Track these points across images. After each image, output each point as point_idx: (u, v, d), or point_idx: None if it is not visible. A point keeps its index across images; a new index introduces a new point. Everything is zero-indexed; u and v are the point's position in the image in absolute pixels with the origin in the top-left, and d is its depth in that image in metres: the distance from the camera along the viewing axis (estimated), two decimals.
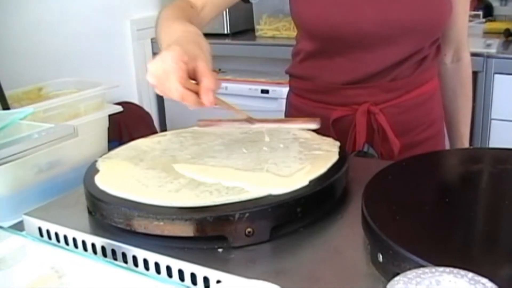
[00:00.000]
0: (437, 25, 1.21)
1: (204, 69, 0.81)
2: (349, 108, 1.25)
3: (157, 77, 0.79)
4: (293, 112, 1.38)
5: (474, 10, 2.69)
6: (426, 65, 1.26)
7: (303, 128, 1.01)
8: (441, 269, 0.51)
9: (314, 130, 1.06)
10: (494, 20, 2.75)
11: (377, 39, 1.18)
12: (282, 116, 1.44)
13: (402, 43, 1.19)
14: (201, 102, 0.80)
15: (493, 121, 2.28)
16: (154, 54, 2.91)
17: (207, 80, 0.80)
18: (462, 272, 0.50)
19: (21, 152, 0.95)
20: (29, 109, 1.10)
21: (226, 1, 1.23)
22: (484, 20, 2.70)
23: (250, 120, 0.97)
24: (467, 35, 1.38)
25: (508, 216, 0.76)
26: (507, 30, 2.56)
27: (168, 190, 0.83)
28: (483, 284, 0.48)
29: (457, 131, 1.43)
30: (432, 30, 1.21)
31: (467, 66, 1.40)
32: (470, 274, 0.50)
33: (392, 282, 0.50)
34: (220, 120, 1.00)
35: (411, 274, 0.50)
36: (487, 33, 2.58)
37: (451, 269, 0.50)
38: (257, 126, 0.98)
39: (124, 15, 2.73)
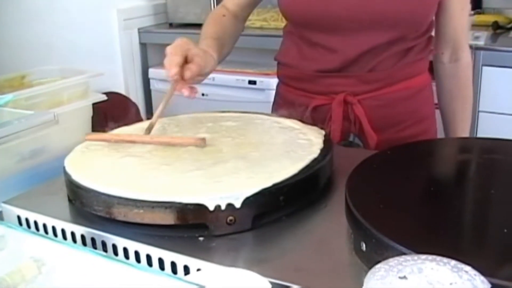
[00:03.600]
0: (417, 17, 1.17)
1: (196, 60, 1.02)
2: (327, 97, 1.23)
3: (170, 48, 1.02)
4: (278, 100, 1.38)
5: None
6: (411, 58, 1.22)
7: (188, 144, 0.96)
8: (423, 256, 0.50)
9: (299, 120, 1.05)
10: (482, 13, 2.74)
11: (350, 25, 1.16)
12: (269, 105, 1.43)
13: (378, 30, 1.15)
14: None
15: (480, 113, 2.28)
16: (142, 44, 2.89)
17: (192, 65, 1.01)
18: (445, 259, 0.49)
19: (2, 138, 0.93)
20: (9, 95, 1.08)
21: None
22: (473, 12, 2.70)
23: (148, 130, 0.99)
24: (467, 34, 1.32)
25: (493, 205, 0.75)
26: (495, 22, 2.56)
27: (148, 180, 0.81)
28: (466, 272, 0.47)
29: (454, 135, 1.36)
30: (411, 21, 1.17)
31: (466, 67, 1.34)
32: (453, 262, 0.49)
33: (373, 270, 0.49)
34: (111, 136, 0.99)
35: (392, 261, 0.50)
36: (476, 26, 2.57)
37: (434, 256, 0.50)
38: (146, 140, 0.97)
39: (110, 5, 2.70)
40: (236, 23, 1.32)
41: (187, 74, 0.99)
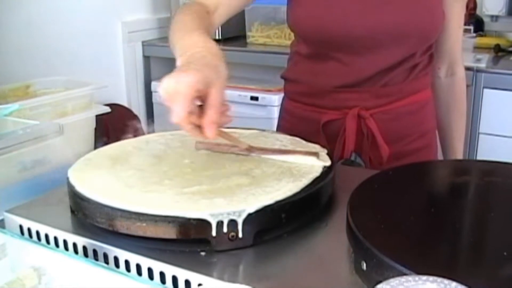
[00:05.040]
0: (428, 32, 1.22)
1: (213, 99, 0.80)
2: (339, 112, 1.26)
3: (168, 94, 0.78)
4: (286, 115, 1.40)
5: (465, 25, 2.71)
6: (418, 73, 1.26)
7: (301, 160, 0.94)
8: (424, 277, 0.50)
9: (301, 137, 1.06)
10: (484, 35, 2.76)
11: (367, 44, 1.19)
12: (273, 122, 1.44)
13: (393, 48, 1.20)
14: (199, 132, 0.80)
15: (481, 135, 2.28)
16: (145, 57, 2.91)
17: (211, 113, 0.79)
18: (446, 281, 0.49)
19: (5, 148, 0.94)
20: (14, 105, 1.08)
21: (237, 5, 1.24)
22: (474, 35, 2.72)
23: (249, 149, 0.96)
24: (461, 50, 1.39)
25: (493, 227, 0.76)
26: (497, 45, 2.58)
27: (150, 194, 0.81)
28: None
29: (450, 146, 1.42)
30: (423, 36, 1.22)
31: (461, 81, 1.40)
32: (454, 284, 0.49)
33: None
34: (219, 145, 0.97)
35: (394, 281, 0.50)
36: (478, 48, 2.60)
37: (435, 278, 0.50)
38: (256, 153, 0.96)
39: (115, 17, 2.72)
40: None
41: (209, 133, 0.80)
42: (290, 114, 1.37)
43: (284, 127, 1.38)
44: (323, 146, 1.01)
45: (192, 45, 0.90)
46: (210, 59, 0.86)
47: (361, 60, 1.21)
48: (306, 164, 0.92)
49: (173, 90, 0.78)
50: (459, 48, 1.37)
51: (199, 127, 0.80)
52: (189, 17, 1.05)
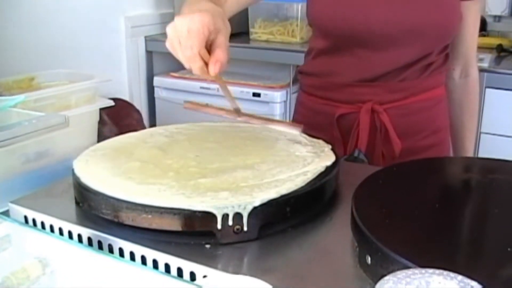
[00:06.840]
0: (446, 31, 1.24)
1: (221, 42, 0.88)
2: (354, 106, 1.28)
3: (178, 32, 0.86)
4: (300, 109, 1.42)
5: None
6: (433, 71, 1.28)
7: (286, 130, 1.03)
8: (430, 270, 0.51)
9: (308, 134, 1.06)
10: (487, 35, 2.77)
11: (386, 40, 1.21)
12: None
13: (410, 46, 1.21)
14: (205, 71, 0.88)
15: (482, 135, 2.29)
16: (148, 52, 2.91)
17: (219, 52, 0.88)
18: (452, 274, 0.50)
19: (11, 138, 0.94)
20: (20, 96, 1.08)
21: (245, 1, 1.30)
22: None
23: (237, 112, 1.00)
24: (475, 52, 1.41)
25: (497, 223, 0.76)
26: (500, 45, 2.59)
27: (156, 186, 0.82)
28: (472, 287, 0.48)
29: (462, 146, 1.44)
30: (441, 35, 1.23)
31: (474, 83, 1.42)
32: (460, 277, 0.49)
33: (381, 282, 0.50)
34: (207, 105, 1.00)
35: (400, 274, 0.50)
36: (480, 48, 2.59)
37: (441, 271, 0.50)
38: (242, 119, 1.00)
39: (118, 12, 2.72)
40: None
41: (212, 69, 0.88)
42: (304, 107, 1.40)
43: (298, 120, 1.40)
44: (327, 142, 1.01)
45: (202, 6, 0.95)
46: (219, 13, 0.93)
47: (379, 56, 1.23)
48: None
49: (186, 27, 0.85)
50: (474, 50, 1.39)
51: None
52: None
